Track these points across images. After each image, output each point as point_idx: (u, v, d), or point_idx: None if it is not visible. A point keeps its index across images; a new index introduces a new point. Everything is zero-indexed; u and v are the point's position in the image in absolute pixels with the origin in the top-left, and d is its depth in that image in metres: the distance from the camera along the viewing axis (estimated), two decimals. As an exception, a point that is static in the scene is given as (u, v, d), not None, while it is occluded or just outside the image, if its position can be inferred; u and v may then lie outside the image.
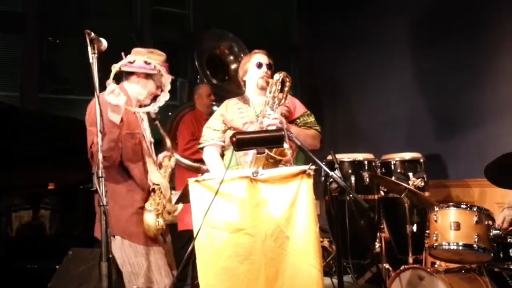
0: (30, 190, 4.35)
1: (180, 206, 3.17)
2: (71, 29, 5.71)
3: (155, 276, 3.00)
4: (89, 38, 2.51)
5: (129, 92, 3.10)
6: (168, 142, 3.24)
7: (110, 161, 2.86)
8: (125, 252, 2.99)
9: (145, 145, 3.12)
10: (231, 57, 4.82)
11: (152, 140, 3.25)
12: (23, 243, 4.20)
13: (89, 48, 2.51)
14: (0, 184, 4.18)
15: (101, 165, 2.45)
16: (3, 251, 4.18)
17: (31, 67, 5.65)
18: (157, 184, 3.06)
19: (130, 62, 3.04)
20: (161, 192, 3.05)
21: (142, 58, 3.08)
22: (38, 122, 4.39)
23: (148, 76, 3.12)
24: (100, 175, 2.44)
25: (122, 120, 2.91)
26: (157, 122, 3.15)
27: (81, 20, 5.74)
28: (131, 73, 3.12)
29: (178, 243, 4.32)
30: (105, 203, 2.40)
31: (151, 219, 2.99)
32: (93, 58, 2.51)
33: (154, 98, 3.17)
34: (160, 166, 3.21)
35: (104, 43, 2.60)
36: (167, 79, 3.07)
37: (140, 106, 3.18)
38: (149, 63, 3.06)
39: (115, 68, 2.88)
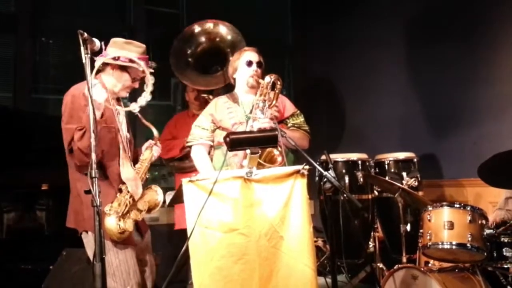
0: (24, 190, 4.33)
1: (160, 199, 3.13)
2: (64, 29, 5.68)
3: (123, 275, 2.95)
4: (82, 38, 2.50)
5: (105, 84, 3.02)
6: (155, 132, 3.17)
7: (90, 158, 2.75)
8: None
9: (120, 139, 3.06)
10: (224, 43, 4.65)
11: (128, 135, 3.17)
12: (16, 243, 4.18)
13: (82, 49, 2.49)
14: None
15: (94, 166, 2.43)
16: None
17: (23, 67, 5.62)
18: (124, 183, 2.99)
19: (114, 59, 2.98)
20: (128, 192, 2.98)
21: (116, 52, 3.01)
22: (30, 122, 4.37)
23: (122, 68, 3.05)
24: (93, 175, 2.42)
25: (102, 115, 2.87)
26: (138, 113, 3.02)
27: (74, 20, 5.70)
28: (106, 64, 3.04)
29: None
30: (98, 204, 2.38)
31: (112, 223, 2.91)
32: (86, 59, 2.50)
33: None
34: (136, 160, 3.14)
35: (97, 43, 2.59)
36: (147, 76, 2.95)
37: (118, 99, 3.13)
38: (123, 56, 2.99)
39: (98, 63, 2.81)
